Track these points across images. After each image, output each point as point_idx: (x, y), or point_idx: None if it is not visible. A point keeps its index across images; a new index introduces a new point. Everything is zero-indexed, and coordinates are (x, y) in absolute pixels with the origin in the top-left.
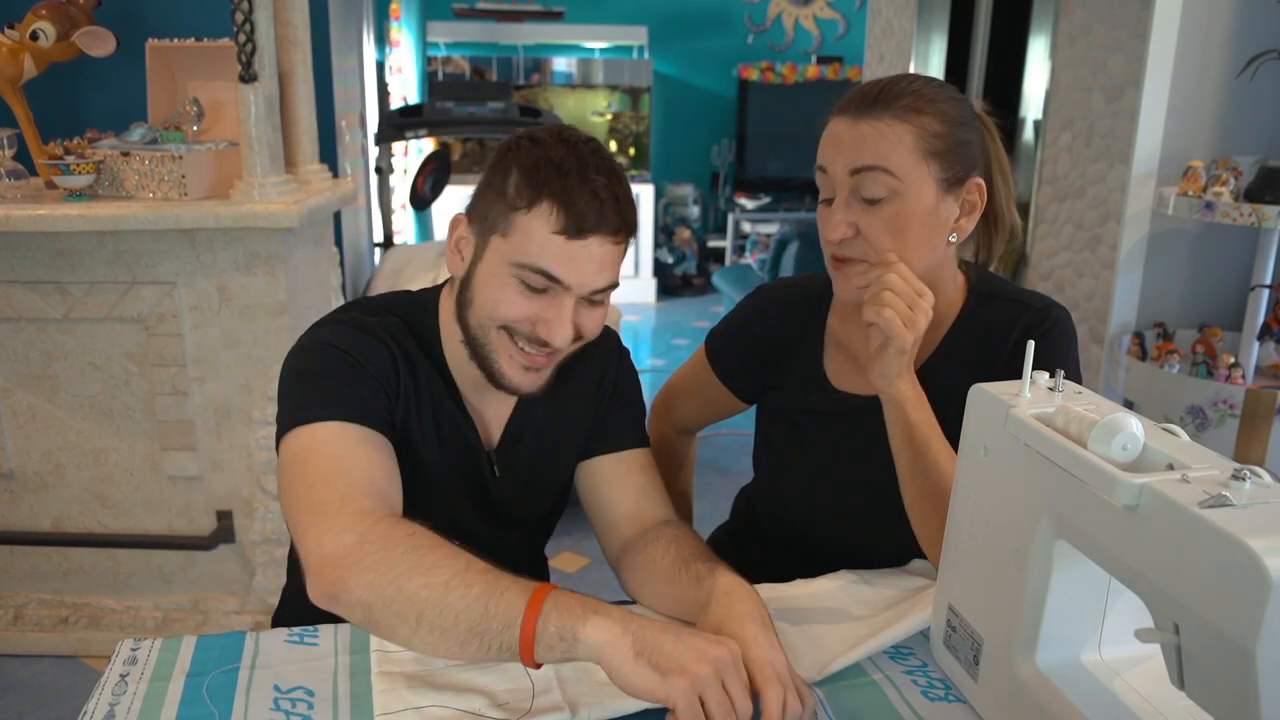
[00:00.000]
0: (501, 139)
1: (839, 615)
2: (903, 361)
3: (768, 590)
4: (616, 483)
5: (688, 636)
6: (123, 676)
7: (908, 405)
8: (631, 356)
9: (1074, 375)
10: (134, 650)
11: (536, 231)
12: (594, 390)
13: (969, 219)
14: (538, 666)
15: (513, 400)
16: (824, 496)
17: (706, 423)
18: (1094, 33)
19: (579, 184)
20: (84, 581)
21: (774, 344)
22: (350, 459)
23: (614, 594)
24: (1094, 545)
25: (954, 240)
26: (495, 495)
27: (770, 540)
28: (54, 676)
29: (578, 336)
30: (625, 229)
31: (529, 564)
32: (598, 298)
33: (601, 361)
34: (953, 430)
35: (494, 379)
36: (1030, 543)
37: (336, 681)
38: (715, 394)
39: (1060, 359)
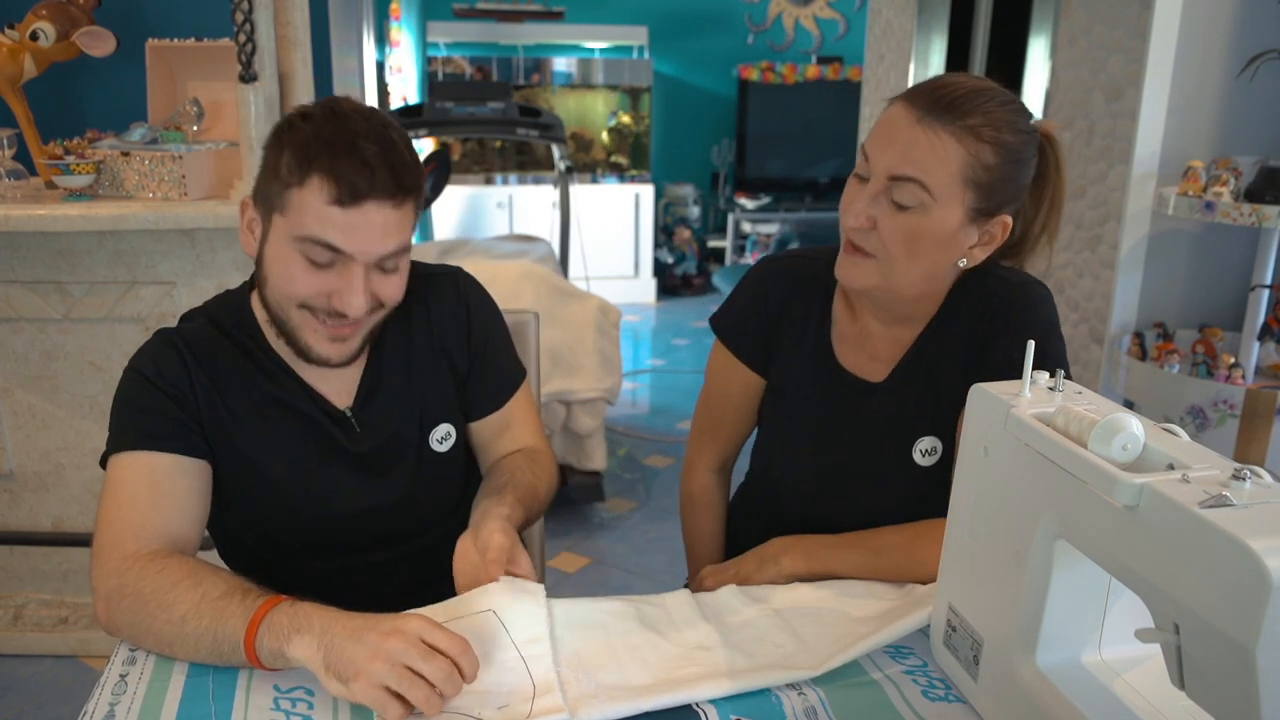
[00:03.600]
0: (502, 139)
1: (836, 616)
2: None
3: (766, 591)
4: (501, 435)
5: (367, 635)
6: (122, 676)
7: (814, 570)
8: (476, 281)
9: (1056, 349)
10: (133, 650)
11: (311, 205)
12: (448, 322)
13: (983, 249)
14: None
15: (361, 358)
16: (816, 469)
17: (744, 433)
18: (1094, 33)
19: (347, 154)
20: (84, 581)
21: (780, 314)
22: (131, 498)
23: (613, 592)
24: (1094, 545)
25: (962, 265)
26: (359, 451)
27: (761, 517)
28: (54, 676)
29: (377, 305)
30: (402, 191)
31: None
32: (389, 264)
33: (448, 293)
34: (943, 400)
35: (303, 354)
36: (1030, 543)
37: None
38: (740, 381)
39: (1034, 329)
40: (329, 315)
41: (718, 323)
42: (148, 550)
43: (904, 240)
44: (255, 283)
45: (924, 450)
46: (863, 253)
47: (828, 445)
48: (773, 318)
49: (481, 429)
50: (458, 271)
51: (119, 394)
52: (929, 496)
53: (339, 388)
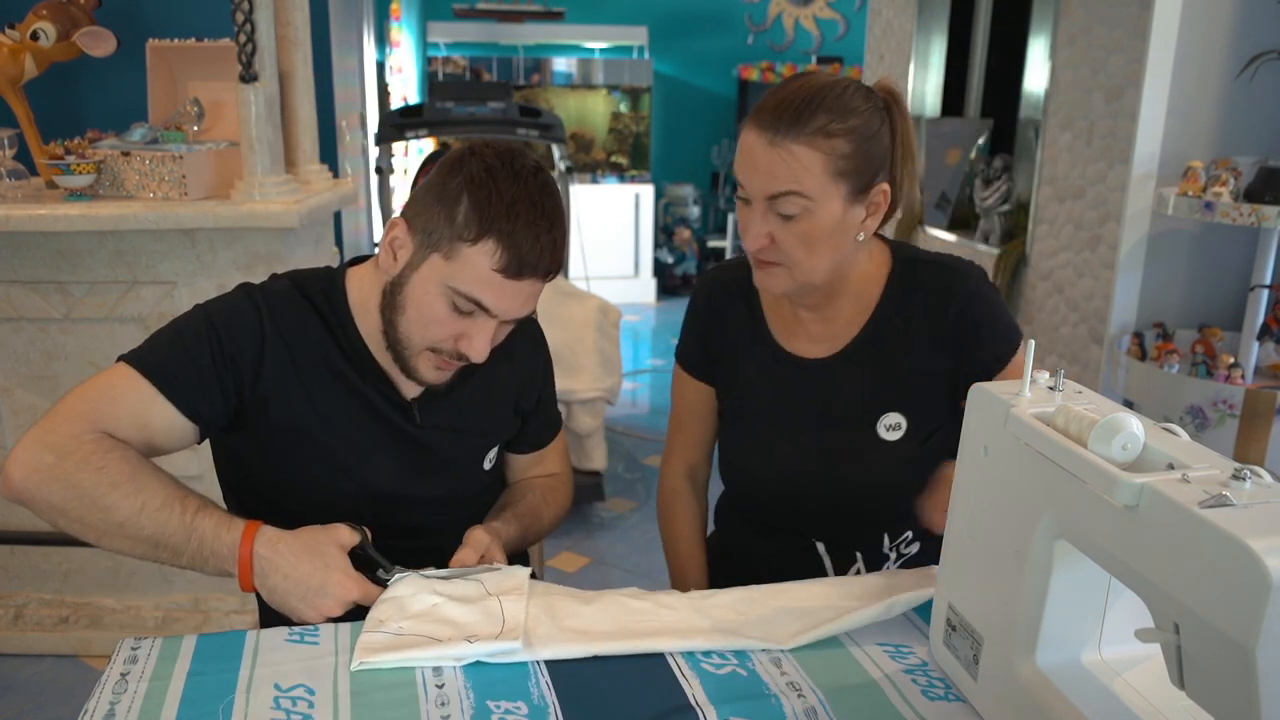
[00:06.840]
0: (501, 139)
1: (817, 603)
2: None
3: (749, 589)
4: (533, 466)
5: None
6: (123, 675)
7: None
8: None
9: (1010, 321)
10: (134, 649)
11: (478, 265)
12: (526, 364)
13: (874, 219)
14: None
15: None
16: (779, 455)
17: (707, 437)
18: (1094, 33)
19: (526, 228)
20: (84, 581)
21: (718, 318)
22: (113, 400)
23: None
24: (1094, 545)
25: (860, 239)
26: (419, 442)
27: (750, 521)
28: (54, 676)
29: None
30: (557, 270)
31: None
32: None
33: (528, 335)
34: (902, 380)
35: (406, 372)
36: (1030, 543)
37: (337, 680)
38: (693, 388)
39: (996, 310)
40: (452, 356)
41: (678, 350)
42: (91, 437)
43: (802, 244)
44: (386, 302)
45: (888, 425)
46: (771, 264)
47: (788, 428)
48: (711, 325)
49: (518, 459)
50: (533, 318)
51: (176, 322)
52: (903, 467)
53: (411, 382)
